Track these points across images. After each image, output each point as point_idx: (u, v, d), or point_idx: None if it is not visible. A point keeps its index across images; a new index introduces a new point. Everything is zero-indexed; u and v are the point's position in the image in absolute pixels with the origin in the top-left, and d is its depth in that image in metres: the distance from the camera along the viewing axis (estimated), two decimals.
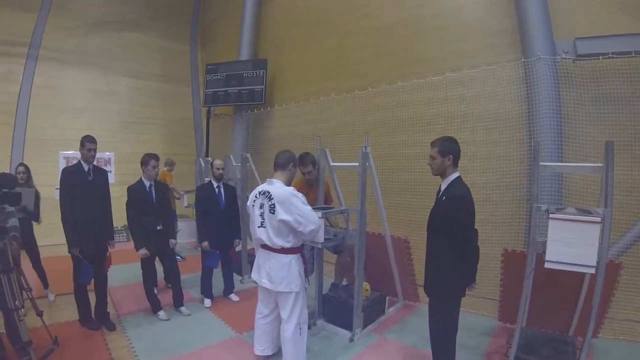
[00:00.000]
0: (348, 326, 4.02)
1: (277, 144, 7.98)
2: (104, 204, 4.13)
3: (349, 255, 4.53)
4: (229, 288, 5.20)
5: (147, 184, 4.41)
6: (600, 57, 4.28)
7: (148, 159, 4.36)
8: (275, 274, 3.09)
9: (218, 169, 4.97)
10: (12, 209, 3.31)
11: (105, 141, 8.77)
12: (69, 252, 3.90)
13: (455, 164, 2.81)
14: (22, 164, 5.02)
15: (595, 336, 3.44)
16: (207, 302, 4.90)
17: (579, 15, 4.64)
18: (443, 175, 2.86)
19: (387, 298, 4.65)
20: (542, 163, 3.11)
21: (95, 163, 4.09)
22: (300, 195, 3.06)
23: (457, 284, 2.74)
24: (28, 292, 3.22)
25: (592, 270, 2.45)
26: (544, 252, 2.68)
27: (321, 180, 4.33)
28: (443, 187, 2.85)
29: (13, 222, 3.26)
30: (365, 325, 4.12)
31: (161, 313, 4.43)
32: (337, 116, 6.76)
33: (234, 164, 6.77)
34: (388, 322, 4.41)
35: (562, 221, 2.47)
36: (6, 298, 2.85)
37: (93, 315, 4.16)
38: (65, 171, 4.00)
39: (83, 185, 3.91)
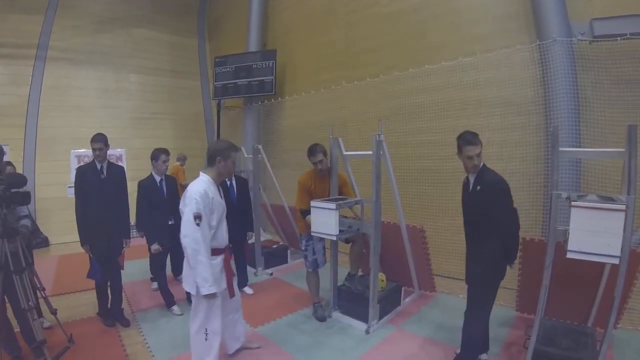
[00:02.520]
0: (364, 318, 3.99)
1: (289, 134, 8.01)
2: (118, 202, 4.09)
3: (363, 246, 4.49)
4: (242, 281, 5.13)
5: (157, 178, 4.44)
6: (619, 38, 4.11)
7: (158, 154, 4.40)
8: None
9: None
10: (24, 210, 3.38)
11: (116, 138, 8.73)
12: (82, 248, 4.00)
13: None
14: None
15: (615, 327, 3.34)
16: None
17: None
18: None
19: (403, 288, 4.59)
20: (561, 149, 3.00)
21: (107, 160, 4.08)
22: (198, 198, 2.79)
23: (501, 267, 2.87)
24: (41, 292, 3.24)
25: (617, 261, 2.35)
26: (565, 241, 2.59)
27: (334, 170, 4.25)
28: (472, 178, 2.93)
29: (25, 221, 3.32)
30: (381, 316, 4.08)
31: (175, 308, 4.45)
32: (350, 105, 6.68)
33: (246, 155, 6.75)
34: (404, 313, 4.36)
35: (585, 209, 2.37)
36: (19, 298, 2.87)
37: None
38: (79, 170, 4.04)
39: (96, 184, 3.93)
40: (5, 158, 7.33)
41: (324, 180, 4.25)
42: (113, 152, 8.83)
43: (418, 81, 5.65)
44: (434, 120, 5.50)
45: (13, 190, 2.95)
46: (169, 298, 4.51)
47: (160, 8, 10.20)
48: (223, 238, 3.09)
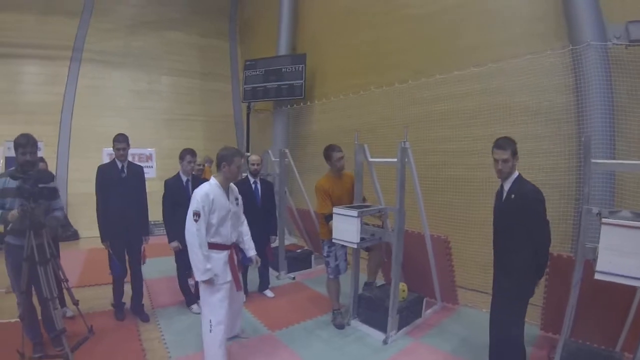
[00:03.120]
0: (383, 327, 3.91)
1: (317, 138, 7.95)
2: (138, 200, 4.22)
3: (385, 255, 4.41)
4: (264, 284, 5.19)
5: (184, 178, 4.48)
6: None
7: (184, 154, 4.46)
8: None
9: (253, 164, 4.91)
10: (59, 204, 3.55)
11: (146, 138, 9.11)
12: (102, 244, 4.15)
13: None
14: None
15: None
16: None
17: None
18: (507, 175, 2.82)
19: (425, 300, 4.47)
20: (593, 160, 2.85)
21: (133, 160, 4.27)
22: (198, 199, 3.11)
23: (532, 282, 2.76)
24: (65, 283, 3.39)
25: None
26: (594, 260, 2.45)
27: (358, 176, 4.19)
28: (507, 187, 2.81)
29: (58, 213, 3.51)
30: (400, 327, 3.98)
31: (194, 307, 4.48)
32: (378, 110, 6.59)
33: (273, 159, 6.78)
34: (424, 325, 4.24)
35: (616, 227, 2.23)
36: (42, 288, 2.98)
37: (129, 306, 4.36)
38: (100, 168, 4.18)
39: (116, 182, 4.05)
40: (39, 154, 7.76)
41: (341, 183, 4.21)
42: (144, 151, 9.10)
43: (446, 87, 5.52)
44: (462, 128, 5.36)
45: (40, 185, 3.06)
46: (189, 296, 4.56)
47: (191, 11, 10.44)
48: (227, 236, 3.30)
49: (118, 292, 4.29)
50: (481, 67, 5.04)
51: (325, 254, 4.21)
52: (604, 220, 2.31)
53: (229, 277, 3.27)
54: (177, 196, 4.33)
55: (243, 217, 3.68)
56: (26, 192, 3.01)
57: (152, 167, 9.22)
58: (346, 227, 3.62)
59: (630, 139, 4.04)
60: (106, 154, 8.61)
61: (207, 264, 3.10)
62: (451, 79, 5.41)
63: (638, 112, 4.05)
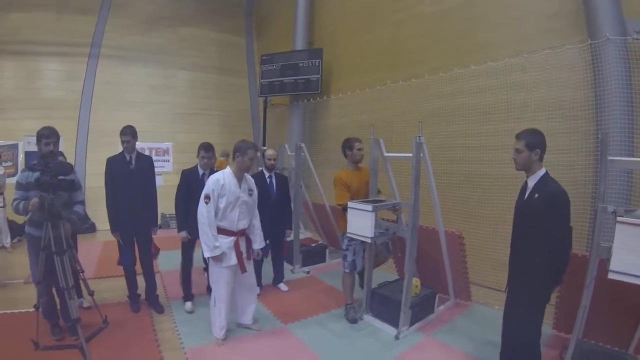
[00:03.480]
0: (395, 323, 3.94)
1: (334, 133, 8.00)
2: (147, 191, 4.25)
3: (398, 250, 4.44)
4: (278, 277, 5.24)
5: (200, 172, 4.51)
6: None
7: (199, 149, 4.51)
8: None
9: (269, 159, 4.95)
10: (80, 196, 3.67)
11: (164, 132, 9.29)
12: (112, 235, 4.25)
13: (541, 158, 2.67)
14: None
15: None
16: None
17: None
18: (529, 170, 2.72)
19: (438, 296, 4.47)
20: (610, 157, 2.82)
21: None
22: (210, 183, 3.51)
23: (548, 288, 2.66)
24: (81, 274, 3.54)
25: None
26: (609, 259, 2.43)
27: (373, 171, 4.22)
28: (531, 184, 2.70)
29: (78, 207, 3.64)
30: (412, 323, 4.00)
31: (188, 304, 4.46)
32: (394, 105, 6.59)
33: (289, 153, 6.84)
34: (436, 321, 4.25)
35: (631, 226, 2.22)
36: (58, 278, 3.10)
37: (144, 297, 4.45)
38: (109, 160, 4.20)
39: (125, 174, 4.10)
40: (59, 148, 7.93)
41: (359, 176, 4.30)
42: (160, 145, 9.27)
43: (463, 82, 5.48)
44: (478, 124, 5.31)
45: (60, 177, 3.19)
46: (187, 291, 4.56)
47: (207, 7, 10.55)
48: (234, 222, 3.59)
49: (131, 283, 4.38)
50: (499, 62, 4.98)
51: (344, 247, 4.25)
52: (619, 219, 2.29)
53: (233, 262, 3.58)
54: (191, 187, 4.36)
55: (257, 211, 3.86)
56: (45, 184, 3.10)
57: (168, 161, 9.39)
58: (361, 222, 3.65)
59: None
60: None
61: (216, 241, 3.48)
62: (468, 74, 5.36)
63: None
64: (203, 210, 3.47)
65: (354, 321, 4.20)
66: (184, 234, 4.36)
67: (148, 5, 9.58)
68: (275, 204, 4.91)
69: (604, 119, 4.21)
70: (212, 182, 3.49)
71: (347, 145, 4.27)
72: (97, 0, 8.93)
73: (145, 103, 9.40)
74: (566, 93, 4.61)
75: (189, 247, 4.54)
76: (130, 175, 4.12)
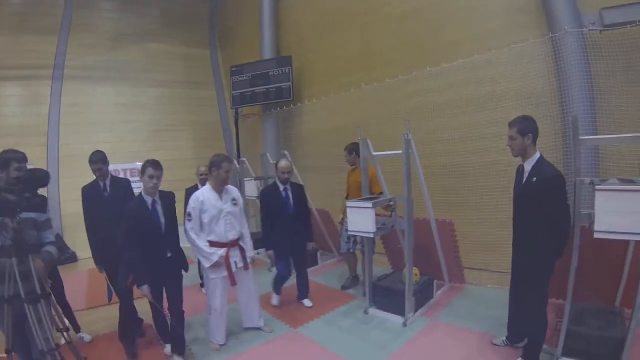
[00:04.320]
0: (399, 312, 4.27)
1: (310, 138, 8.31)
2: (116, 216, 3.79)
3: (398, 242, 4.81)
4: (303, 293, 5.05)
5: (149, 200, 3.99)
6: (628, 25, 4.32)
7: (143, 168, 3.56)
8: None
9: (284, 172, 4.64)
10: (49, 236, 2.93)
11: (136, 151, 9.27)
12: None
13: (534, 142, 2.99)
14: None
15: None
16: (276, 299, 4.98)
17: None
18: (524, 155, 3.04)
19: (435, 281, 4.86)
20: (581, 137, 3.24)
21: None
22: (190, 201, 3.79)
23: (552, 261, 2.99)
24: (64, 333, 2.71)
25: None
26: (590, 224, 2.82)
27: (364, 169, 4.59)
28: (528, 167, 3.02)
29: (49, 248, 2.87)
30: (416, 309, 4.35)
31: (167, 348, 3.90)
32: (369, 106, 6.91)
33: (271, 161, 6.99)
34: (437, 305, 4.63)
35: (608, 192, 2.62)
36: (35, 336, 2.37)
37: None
38: (83, 190, 4.05)
39: (100, 202, 3.96)
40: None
41: (354, 174, 5.20)
42: (133, 165, 9.21)
43: (435, 80, 5.88)
44: (455, 117, 5.75)
45: (27, 194, 2.54)
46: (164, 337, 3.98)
47: (170, 21, 10.66)
48: (222, 234, 3.86)
49: (121, 315, 3.92)
50: (468, 58, 5.43)
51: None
52: (597, 187, 2.69)
53: (224, 273, 3.87)
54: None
55: (244, 220, 4.15)
56: (7, 203, 2.41)
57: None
58: (361, 219, 3.97)
59: (610, 115, 4.47)
60: None
61: (209, 249, 3.77)
62: (440, 72, 5.77)
63: (615, 90, 4.49)
64: (187, 226, 3.77)
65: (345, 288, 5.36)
66: (145, 289, 3.44)
67: (110, 22, 9.61)
68: (294, 217, 4.72)
69: (569, 103, 4.72)
70: (192, 200, 3.78)
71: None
72: (57, 20, 8.88)
73: (115, 122, 9.39)
74: (532, 83, 5.11)
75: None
76: (106, 203, 3.95)
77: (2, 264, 2.43)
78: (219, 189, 3.88)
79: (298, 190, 4.86)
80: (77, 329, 4.22)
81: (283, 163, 4.67)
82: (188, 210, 3.78)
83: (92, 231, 4.01)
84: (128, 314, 3.90)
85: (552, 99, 4.97)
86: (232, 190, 4.03)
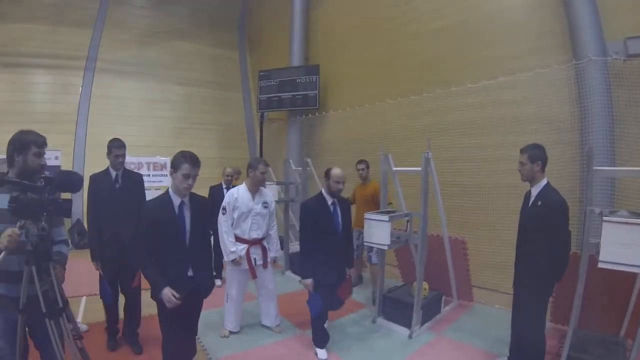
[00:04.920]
0: (406, 324, 4.42)
1: (332, 147, 8.52)
2: (134, 215, 3.40)
3: (403, 258, 4.98)
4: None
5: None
6: None
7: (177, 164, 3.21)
8: None
9: (338, 182, 3.84)
10: (62, 234, 2.69)
11: (161, 147, 9.60)
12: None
13: (543, 169, 3.20)
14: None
15: None
16: (322, 353, 3.92)
17: (628, 14, 4.77)
18: (532, 180, 3.24)
19: (443, 297, 5.02)
20: (595, 167, 3.39)
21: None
22: (226, 199, 4.15)
23: (551, 283, 3.16)
24: (78, 341, 2.56)
25: None
26: (597, 253, 2.97)
27: (383, 184, 4.80)
28: (534, 192, 3.22)
29: (60, 247, 2.62)
30: (422, 323, 4.49)
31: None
32: (392, 120, 7.12)
33: (294, 168, 7.24)
34: (444, 320, 4.77)
35: (615, 224, 2.77)
36: (54, 350, 2.23)
37: (121, 334, 3.97)
38: (92, 178, 3.79)
39: (109, 194, 3.70)
40: (56, 163, 8.12)
41: (363, 188, 5.62)
42: (157, 160, 9.57)
43: (458, 98, 6.05)
44: (472, 137, 5.91)
45: (51, 197, 2.24)
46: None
47: (201, 22, 11.03)
48: (246, 231, 4.17)
49: (111, 317, 3.87)
50: (492, 80, 5.58)
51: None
52: (604, 218, 2.84)
53: (245, 266, 4.19)
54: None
55: (273, 222, 4.42)
56: (33, 205, 2.15)
57: (166, 175, 9.64)
58: (378, 231, 4.19)
59: (629, 145, 4.58)
60: None
61: (232, 247, 4.09)
62: (463, 91, 5.94)
63: (636, 120, 4.59)
64: (221, 219, 4.13)
65: None
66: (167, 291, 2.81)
67: (143, 20, 10.02)
68: (342, 238, 4.01)
69: (588, 131, 4.84)
70: (228, 196, 4.16)
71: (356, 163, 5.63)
72: (93, 13, 9.29)
73: (142, 117, 9.76)
74: (553, 108, 5.25)
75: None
76: (115, 196, 3.71)
77: (18, 271, 2.18)
78: (254, 190, 4.20)
79: (346, 206, 4.11)
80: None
81: (337, 171, 3.85)
82: (223, 204, 4.14)
83: (95, 224, 3.71)
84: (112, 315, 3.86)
85: (573, 125, 5.09)
86: (266, 193, 4.35)
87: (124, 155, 3.80)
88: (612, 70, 4.78)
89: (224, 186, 5.89)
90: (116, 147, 3.74)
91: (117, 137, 3.87)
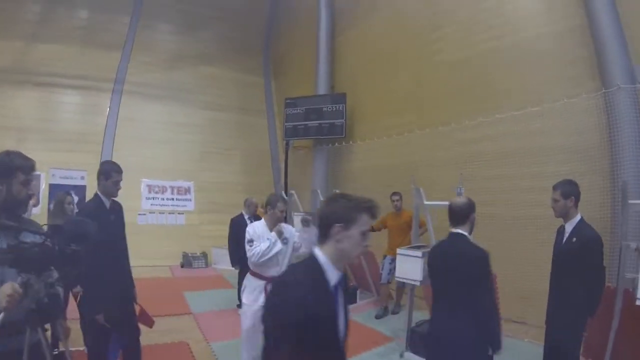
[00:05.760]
0: None
1: (357, 177, 8.56)
2: (125, 250, 3.41)
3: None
4: None
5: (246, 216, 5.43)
6: None
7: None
8: None
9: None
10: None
11: (184, 170, 9.87)
12: (85, 318, 3.30)
13: (576, 205, 3.21)
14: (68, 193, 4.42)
15: None
16: None
17: None
18: (566, 217, 3.25)
19: None
20: (630, 201, 3.40)
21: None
22: (250, 233, 3.93)
23: (585, 319, 3.14)
24: None
25: None
26: (634, 288, 2.98)
27: (415, 218, 4.91)
28: (569, 228, 3.23)
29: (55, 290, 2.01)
30: None
31: None
32: (419, 151, 7.16)
33: (321, 198, 7.22)
34: None
35: None
36: None
37: None
38: (85, 211, 3.29)
39: (108, 229, 3.07)
40: (82, 183, 8.36)
41: (397, 217, 5.98)
42: (182, 184, 9.79)
43: (485, 129, 6.06)
44: (503, 167, 5.88)
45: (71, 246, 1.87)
46: None
47: (226, 47, 11.37)
48: (263, 269, 3.99)
49: None
50: (520, 111, 5.58)
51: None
52: None
53: (260, 302, 3.88)
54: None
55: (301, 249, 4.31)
56: (34, 260, 1.75)
57: (190, 200, 9.93)
58: (410, 267, 4.30)
59: None
60: (145, 185, 9.40)
61: (266, 244, 3.88)
62: (492, 122, 5.92)
63: None
64: (250, 252, 3.91)
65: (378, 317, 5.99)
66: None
67: (170, 44, 10.43)
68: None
69: (618, 160, 4.83)
70: (250, 230, 4.00)
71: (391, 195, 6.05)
72: (121, 36, 9.68)
73: (167, 141, 10.01)
74: (582, 137, 5.23)
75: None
76: (111, 230, 3.17)
77: (19, 338, 1.76)
78: (272, 227, 4.11)
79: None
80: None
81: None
82: (249, 237, 3.98)
83: (93, 268, 2.59)
84: None
85: (603, 154, 5.06)
86: (286, 228, 4.26)
87: (121, 182, 3.33)
88: None
89: (245, 216, 6.09)
90: (117, 172, 3.26)
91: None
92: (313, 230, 4.25)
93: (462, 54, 6.77)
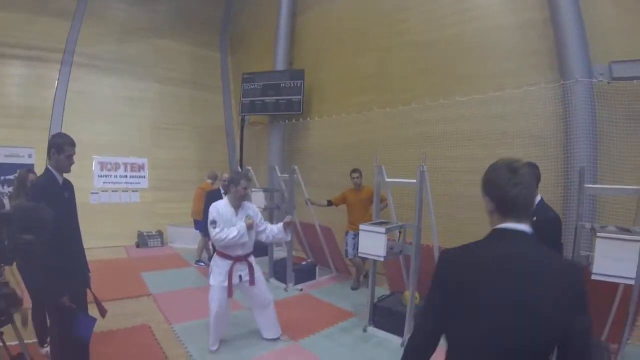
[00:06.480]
0: (398, 332, 4.61)
1: (314, 154, 8.66)
2: (78, 228, 3.24)
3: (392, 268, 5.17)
4: None
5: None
6: (635, 80, 4.76)
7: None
8: None
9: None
10: None
11: (138, 147, 9.50)
12: (48, 303, 3.15)
13: (537, 186, 3.35)
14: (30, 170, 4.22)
15: (627, 342, 3.95)
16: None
17: (614, 39, 5.15)
18: None
19: None
20: (586, 185, 3.67)
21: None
22: (212, 213, 4.05)
23: None
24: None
25: (632, 282, 3.03)
26: (588, 265, 3.24)
27: (377, 195, 4.99)
28: None
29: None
30: None
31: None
32: (379, 130, 7.30)
33: (279, 174, 7.28)
34: None
35: (608, 239, 3.05)
36: None
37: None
38: (38, 186, 3.02)
39: (62, 206, 2.93)
40: (30, 161, 7.93)
41: (358, 193, 6.16)
42: (136, 160, 9.45)
43: (445, 110, 6.31)
44: (460, 148, 6.16)
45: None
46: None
47: (182, 20, 10.96)
48: (230, 248, 4.12)
49: None
50: (482, 94, 5.87)
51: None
52: (598, 234, 3.11)
53: (226, 283, 4.10)
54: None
55: (264, 225, 4.41)
56: None
57: (144, 177, 9.63)
58: (373, 243, 4.40)
59: (610, 162, 4.94)
60: (97, 162, 9.02)
61: (234, 232, 4.00)
62: (453, 104, 6.20)
63: (618, 138, 4.95)
64: (213, 233, 4.02)
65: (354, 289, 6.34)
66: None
67: (123, 14, 9.87)
68: None
69: (572, 147, 5.18)
70: (213, 210, 4.07)
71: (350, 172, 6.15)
72: (72, 4, 9.08)
73: (119, 115, 9.60)
74: (539, 124, 5.58)
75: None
76: (66, 208, 3.03)
77: None
78: (236, 205, 4.20)
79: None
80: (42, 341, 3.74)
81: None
82: (211, 219, 4.03)
83: (52, 249, 2.56)
84: None
85: (557, 141, 5.43)
86: (249, 206, 4.35)
87: (74, 155, 3.12)
88: (597, 91, 5.13)
89: (222, 191, 6.18)
90: (69, 145, 3.03)
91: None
92: (290, 234, 4.38)
93: (430, 36, 6.92)
